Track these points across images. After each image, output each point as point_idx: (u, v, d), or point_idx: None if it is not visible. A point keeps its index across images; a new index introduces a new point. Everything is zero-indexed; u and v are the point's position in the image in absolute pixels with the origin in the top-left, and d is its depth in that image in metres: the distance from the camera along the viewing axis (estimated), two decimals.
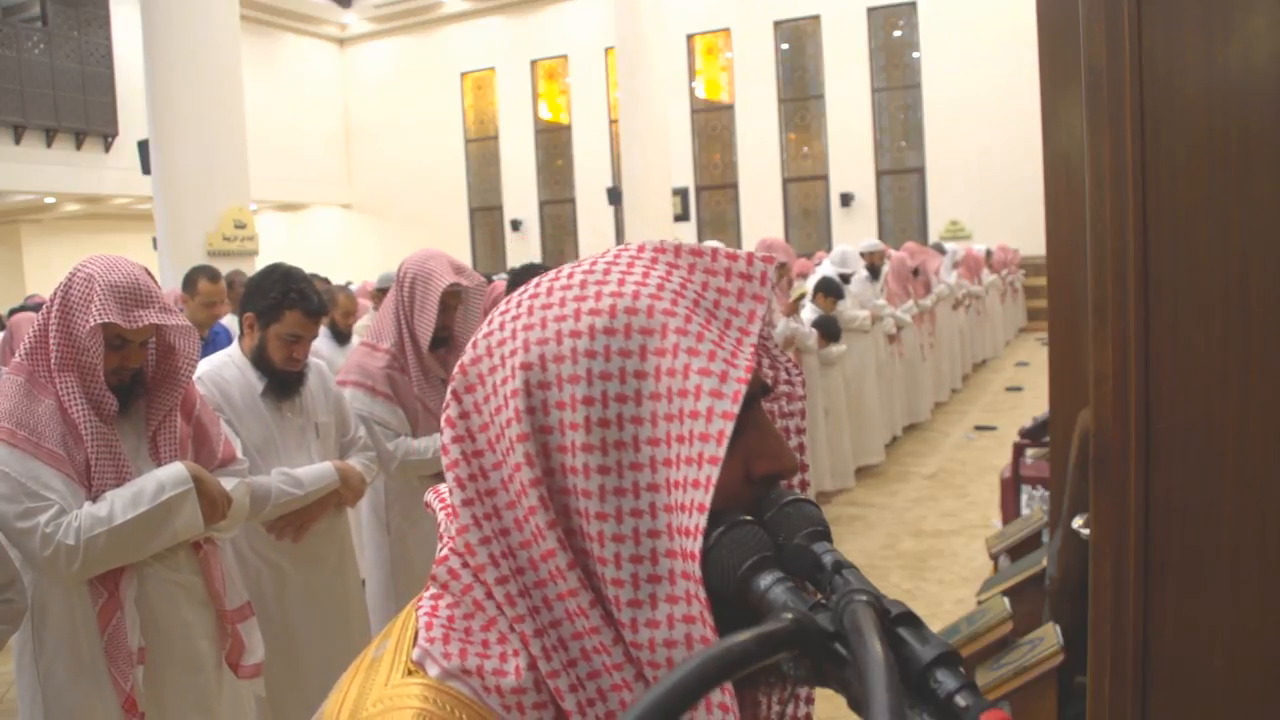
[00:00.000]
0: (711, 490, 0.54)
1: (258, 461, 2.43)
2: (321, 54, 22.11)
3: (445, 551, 0.63)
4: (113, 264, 1.98)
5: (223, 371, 2.46)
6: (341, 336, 5.05)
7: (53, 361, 1.93)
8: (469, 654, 0.59)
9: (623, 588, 0.57)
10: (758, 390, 0.64)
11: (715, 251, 0.63)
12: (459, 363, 0.64)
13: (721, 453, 0.54)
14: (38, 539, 1.85)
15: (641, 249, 0.63)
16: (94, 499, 1.94)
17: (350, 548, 2.73)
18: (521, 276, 3.72)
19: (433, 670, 0.59)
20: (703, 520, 0.54)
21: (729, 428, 0.55)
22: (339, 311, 5.02)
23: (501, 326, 0.62)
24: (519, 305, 0.62)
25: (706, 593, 0.55)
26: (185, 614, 2.09)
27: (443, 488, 0.69)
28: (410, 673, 0.60)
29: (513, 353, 0.60)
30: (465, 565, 0.62)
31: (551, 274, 0.63)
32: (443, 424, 0.63)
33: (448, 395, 0.64)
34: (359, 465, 2.61)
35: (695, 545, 0.54)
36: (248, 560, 2.50)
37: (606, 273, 0.61)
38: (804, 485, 0.72)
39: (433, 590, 0.64)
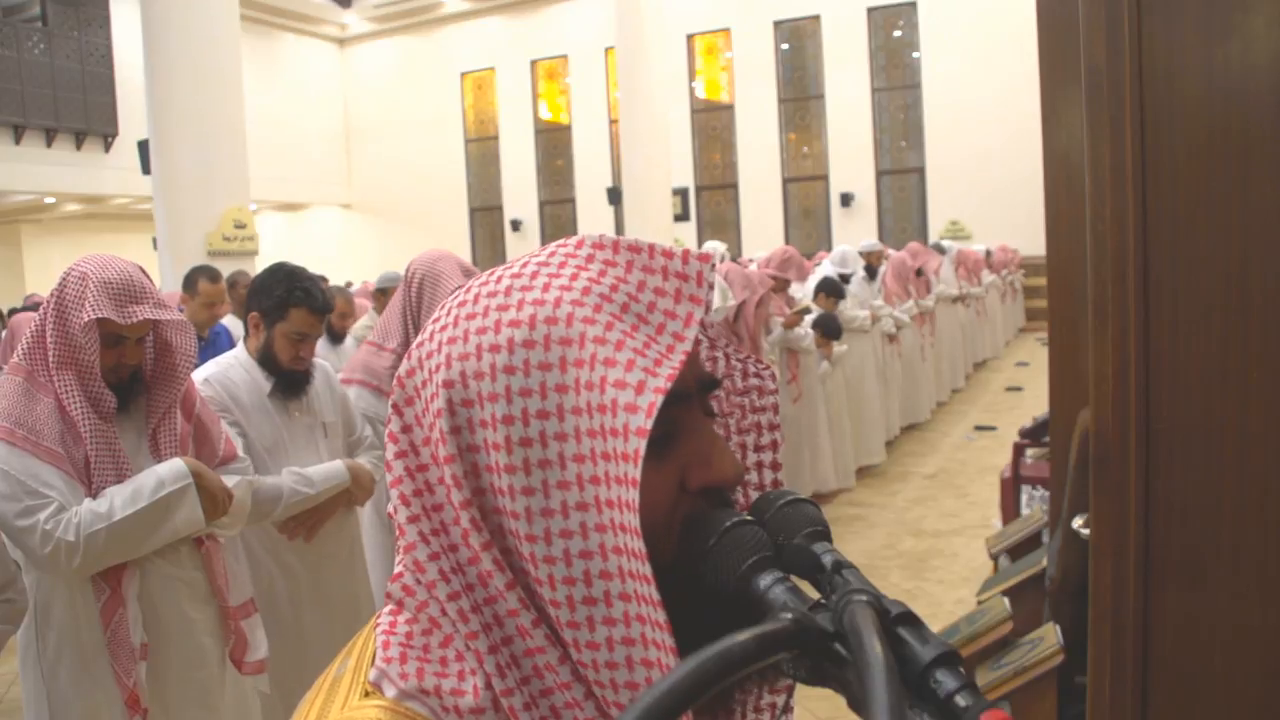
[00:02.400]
0: (637, 513, 0.51)
1: (268, 462, 2.44)
2: (321, 54, 22.11)
3: (399, 568, 0.61)
4: (106, 262, 1.99)
5: (229, 373, 2.46)
6: (335, 337, 5.08)
7: (50, 360, 1.94)
8: (426, 673, 0.57)
9: (560, 609, 0.55)
10: (693, 390, 0.60)
11: (652, 248, 0.59)
12: (397, 375, 0.61)
13: (637, 473, 0.51)
14: (38, 536, 1.86)
15: (580, 244, 0.60)
16: (94, 496, 1.94)
17: (360, 546, 2.73)
18: None
19: (390, 691, 0.57)
20: (640, 544, 0.51)
21: (643, 446, 0.51)
22: (334, 313, 5.04)
23: (431, 337, 0.59)
24: (449, 314, 0.59)
25: (700, 588, 0.54)
26: (188, 610, 2.10)
27: None
28: (368, 694, 0.58)
29: (437, 368, 0.58)
30: (419, 582, 0.59)
31: (484, 276, 0.60)
32: (386, 439, 0.61)
33: (389, 409, 0.62)
34: (368, 464, 2.62)
35: (643, 567, 0.51)
36: (260, 560, 2.50)
37: (534, 276, 0.58)
38: (775, 486, 0.69)
39: (390, 607, 0.62)
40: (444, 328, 0.59)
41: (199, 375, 2.39)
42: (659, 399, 0.52)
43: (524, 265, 0.60)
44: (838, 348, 6.17)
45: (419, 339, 0.61)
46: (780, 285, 5.49)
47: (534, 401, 0.55)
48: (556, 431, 0.55)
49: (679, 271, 0.59)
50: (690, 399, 0.59)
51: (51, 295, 1.98)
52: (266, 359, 2.46)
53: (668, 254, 0.59)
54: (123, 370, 2.02)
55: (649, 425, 0.52)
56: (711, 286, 0.60)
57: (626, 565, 0.53)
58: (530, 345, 0.55)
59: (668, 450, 0.57)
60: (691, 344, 0.57)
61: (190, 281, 4.77)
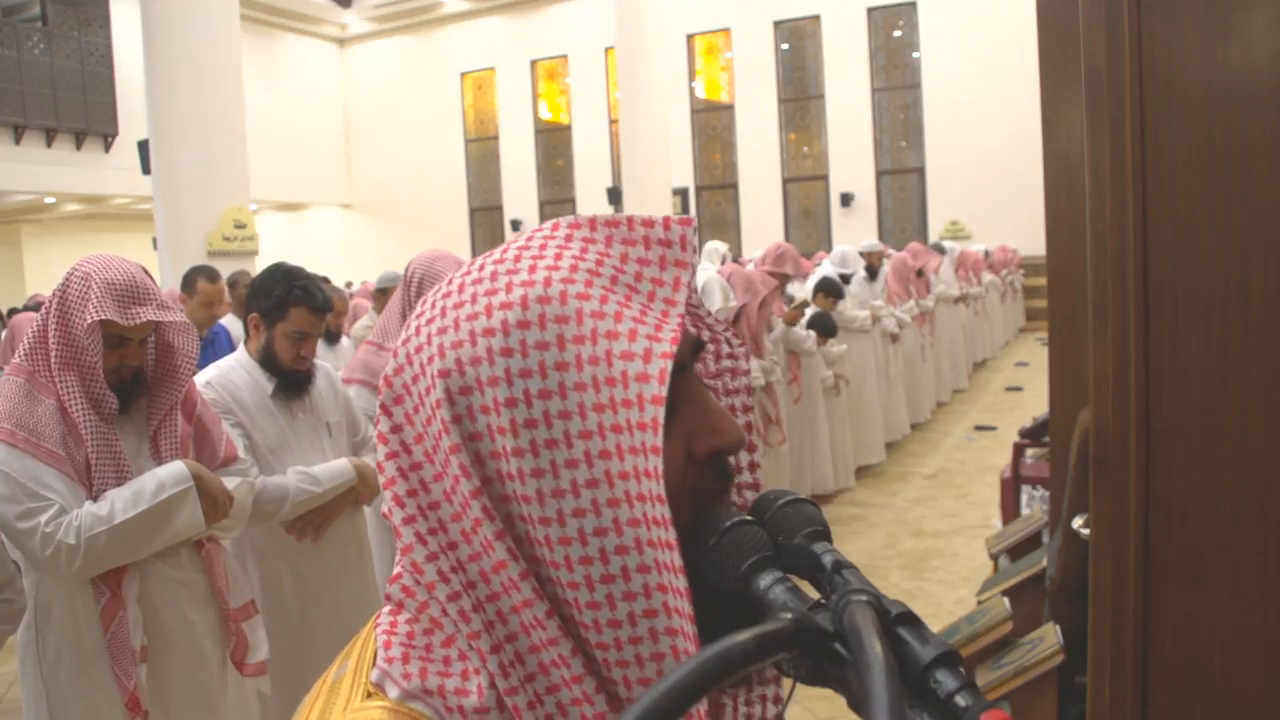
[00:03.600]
0: (662, 480, 0.51)
1: (273, 463, 2.43)
2: (321, 54, 22.11)
3: (398, 569, 0.61)
4: (109, 262, 1.99)
5: (231, 375, 2.46)
6: (331, 336, 5.10)
7: (52, 361, 1.94)
8: (429, 673, 0.57)
9: (579, 590, 0.54)
10: (688, 356, 0.60)
11: (630, 220, 0.59)
12: (384, 374, 0.60)
13: (659, 441, 0.52)
14: (38, 539, 1.86)
15: (556, 226, 0.60)
16: (95, 499, 1.94)
17: (368, 545, 2.73)
18: None
19: (393, 692, 0.57)
20: (665, 510, 0.51)
21: (661, 413, 0.52)
22: (330, 312, 5.06)
23: (418, 331, 0.59)
24: (433, 306, 0.59)
25: (700, 587, 0.54)
26: (188, 612, 2.10)
27: None
28: (370, 695, 0.57)
29: (430, 359, 0.57)
30: (417, 583, 0.59)
31: (465, 266, 0.60)
32: (375, 440, 0.60)
33: (377, 409, 0.61)
34: (373, 462, 2.62)
35: (666, 534, 0.52)
36: (268, 561, 2.50)
37: (518, 259, 0.57)
38: (753, 466, 0.69)
39: (389, 607, 0.62)
40: (430, 320, 0.58)
41: (201, 378, 2.39)
42: (668, 364, 0.53)
43: (504, 251, 0.59)
44: (836, 347, 6.17)
45: (404, 336, 0.60)
46: (779, 281, 5.47)
47: (535, 382, 0.54)
48: (560, 410, 0.54)
49: (661, 239, 0.59)
50: (686, 367, 0.59)
51: (54, 296, 1.98)
52: (268, 360, 2.46)
53: (647, 223, 0.59)
54: (124, 371, 2.01)
55: (664, 392, 0.52)
56: (695, 249, 0.60)
57: (645, 535, 0.53)
58: (525, 325, 0.55)
59: (671, 421, 0.56)
60: (684, 307, 0.57)
61: (189, 281, 4.78)
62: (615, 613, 0.54)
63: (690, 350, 0.60)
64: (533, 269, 0.57)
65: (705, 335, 0.69)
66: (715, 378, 0.70)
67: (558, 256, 0.57)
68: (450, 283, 0.59)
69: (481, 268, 0.58)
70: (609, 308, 0.55)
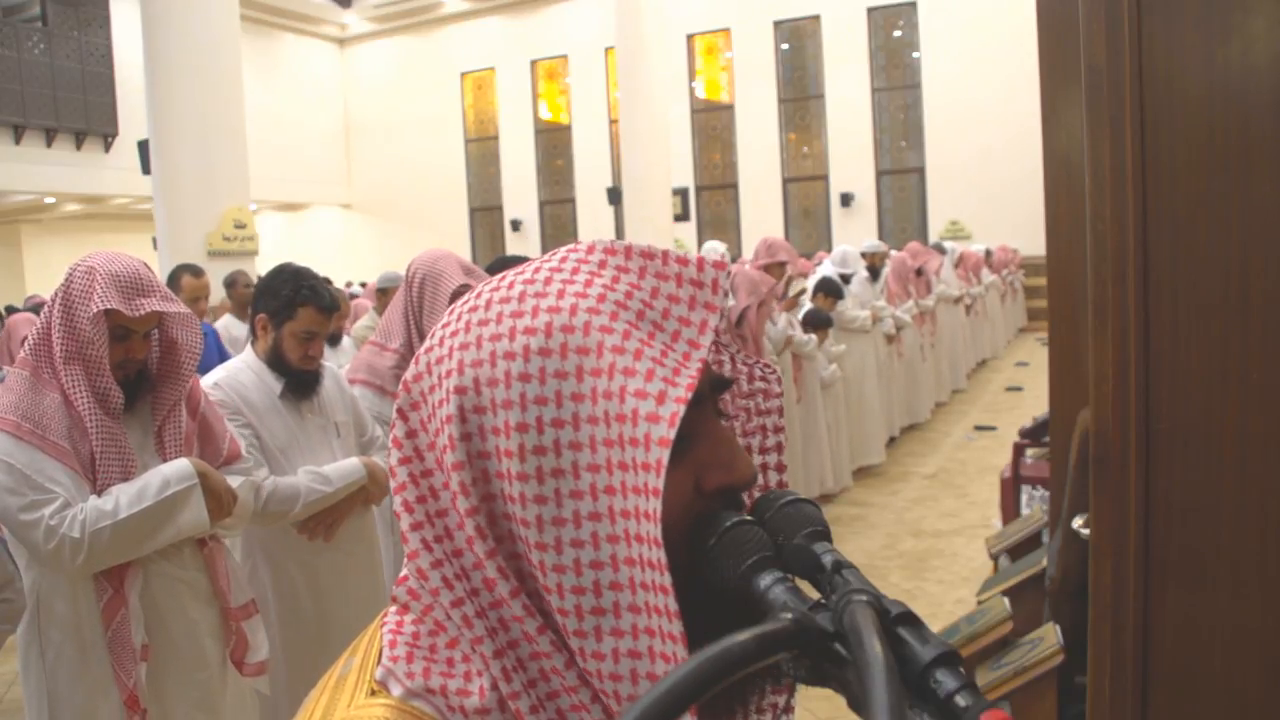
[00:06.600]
0: (659, 524, 0.51)
1: (282, 463, 2.44)
2: (321, 54, 22.11)
3: (405, 572, 0.62)
4: (113, 256, 2.01)
5: (239, 376, 2.46)
6: (333, 337, 5.10)
7: (57, 355, 1.94)
8: (433, 673, 0.58)
9: (568, 617, 0.55)
10: (707, 393, 0.60)
11: (666, 255, 0.59)
12: (403, 379, 0.61)
13: (660, 483, 0.51)
14: (42, 532, 1.86)
15: (591, 249, 0.60)
16: (99, 493, 1.94)
17: (377, 544, 2.74)
18: (497, 268, 3.71)
19: (396, 690, 0.58)
20: (661, 554, 0.51)
21: (665, 455, 0.51)
22: (337, 312, 5.07)
23: (441, 342, 0.59)
24: (459, 319, 0.59)
25: (700, 588, 0.54)
26: (190, 611, 2.10)
27: None
28: (374, 692, 0.58)
29: (448, 373, 0.57)
30: (423, 588, 0.60)
31: (494, 281, 0.60)
32: (389, 444, 0.61)
33: (394, 414, 0.61)
34: (382, 462, 2.62)
35: (661, 578, 0.51)
36: (278, 560, 2.50)
37: (548, 282, 0.57)
38: (781, 486, 0.69)
39: (395, 608, 0.62)
40: (454, 333, 0.58)
41: (209, 379, 2.40)
42: (681, 409, 0.52)
43: (535, 271, 0.59)
44: (835, 347, 6.17)
45: (427, 344, 0.60)
46: (779, 273, 5.47)
47: (549, 410, 0.55)
48: (571, 440, 0.54)
49: (693, 279, 0.59)
50: (704, 401, 0.59)
51: (57, 292, 1.98)
52: (275, 360, 2.47)
53: (682, 261, 0.59)
54: (129, 366, 2.01)
55: (672, 435, 0.52)
56: (727, 294, 0.60)
57: (640, 576, 0.53)
58: (546, 353, 0.55)
59: (683, 453, 0.56)
60: (707, 351, 0.57)
61: (173, 279, 4.85)
62: (601, 645, 0.55)
63: (709, 386, 0.60)
64: (560, 294, 0.56)
65: (740, 365, 0.70)
66: (748, 398, 0.70)
67: (588, 283, 0.57)
68: (479, 296, 0.59)
69: (511, 285, 0.58)
70: (630, 344, 0.55)
